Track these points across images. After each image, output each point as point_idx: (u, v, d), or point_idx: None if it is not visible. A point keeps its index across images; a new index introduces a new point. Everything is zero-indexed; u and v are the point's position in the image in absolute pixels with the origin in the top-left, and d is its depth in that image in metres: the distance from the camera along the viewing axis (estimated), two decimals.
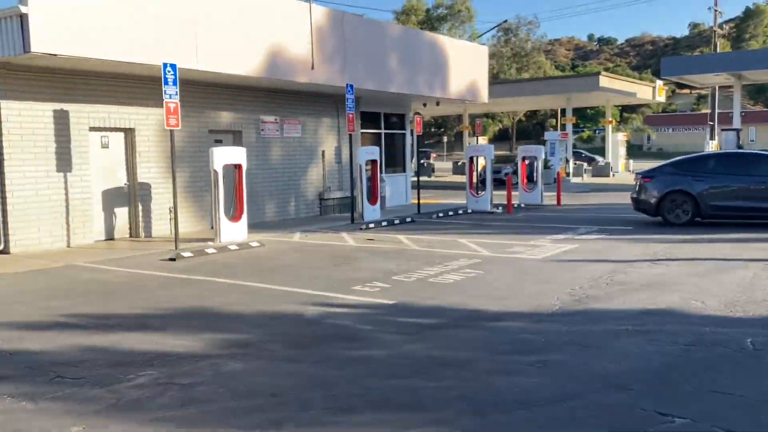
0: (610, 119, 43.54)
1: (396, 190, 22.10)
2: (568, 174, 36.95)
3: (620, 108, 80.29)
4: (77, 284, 9.61)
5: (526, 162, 23.00)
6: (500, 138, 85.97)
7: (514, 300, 8.13)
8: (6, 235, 12.63)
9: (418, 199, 19.67)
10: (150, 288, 9.26)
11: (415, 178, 21.50)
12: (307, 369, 5.63)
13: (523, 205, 21.44)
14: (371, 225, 16.02)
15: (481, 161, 21.56)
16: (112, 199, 14.47)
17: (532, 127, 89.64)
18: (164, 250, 12.63)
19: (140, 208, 14.76)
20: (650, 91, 41.42)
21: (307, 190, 18.70)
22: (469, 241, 13.37)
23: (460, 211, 19.30)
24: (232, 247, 12.77)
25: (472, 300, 8.16)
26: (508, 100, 40.80)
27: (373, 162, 17.76)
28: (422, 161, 50.67)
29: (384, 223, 16.40)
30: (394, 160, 22.44)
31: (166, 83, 12.48)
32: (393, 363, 5.73)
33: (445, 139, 79.02)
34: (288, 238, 14.31)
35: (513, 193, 22.49)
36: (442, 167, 55.27)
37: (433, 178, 44.04)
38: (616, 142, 43.22)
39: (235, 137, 16.85)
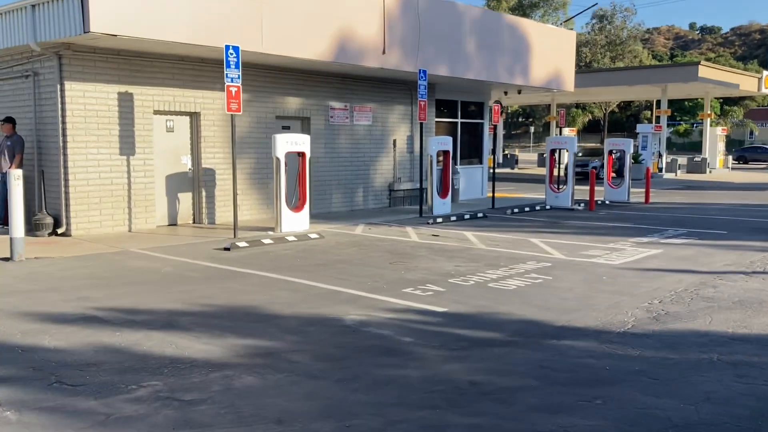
0: (709, 112, 40.88)
1: (471, 182, 21.17)
2: (660, 169, 34.92)
3: (721, 100, 75.95)
4: (123, 272, 9.29)
5: (613, 156, 21.61)
6: (591, 130, 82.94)
7: (582, 313, 7.20)
8: (68, 217, 12.56)
9: (493, 193, 18.70)
10: (194, 280, 8.82)
11: (497, 170, 20.45)
12: (328, 389, 4.95)
13: (607, 202, 20.10)
14: (439, 220, 15.22)
15: (567, 154, 20.35)
16: (175, 184, 14.25)
17: (625, 119, 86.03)
18: (222, 239, 12.27)
19: (204, 194, 14.48)
20: (755, 83, 38.58)
21: (377, 181, 18.06)
22: (542, 241, 12.39)
23: (538, 207, 18.20)
24: (290, 238, 12.27)
25: (534, 311, 7.29)
26: (598, 90, 38.88)
27: (446, 153, 16.90)
28: (506, 152, 49.36)
29: (453, 218, 15.57)
30: (470, 151, 21.49)
31: (228, 66, 12.07)
32: (427, 388, 4.97)
33: (532, 129, 76.89)
34: (350, 231, 13.71)
35: (598, 188, 21.20)
36: (527, 159, 53.64)
37: (516, 170, 42.71)
38: (715, 136, 40.57)
39: (303, 124, 16.36)
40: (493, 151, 43.81)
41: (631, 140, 21.00)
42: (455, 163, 20.50)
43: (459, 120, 20.84)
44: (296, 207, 13.73)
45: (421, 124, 16.20)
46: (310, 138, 16.11)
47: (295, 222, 13.47)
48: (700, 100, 63.41)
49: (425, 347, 5.97)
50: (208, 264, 9.95)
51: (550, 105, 45.80)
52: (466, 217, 15.91)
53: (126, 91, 13.07)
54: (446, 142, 16.84)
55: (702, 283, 8.78)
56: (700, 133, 48.62)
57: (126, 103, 13.10)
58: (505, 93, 22.56)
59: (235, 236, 12.42)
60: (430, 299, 7.78)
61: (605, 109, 71.85)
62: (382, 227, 14.29)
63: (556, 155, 19.83)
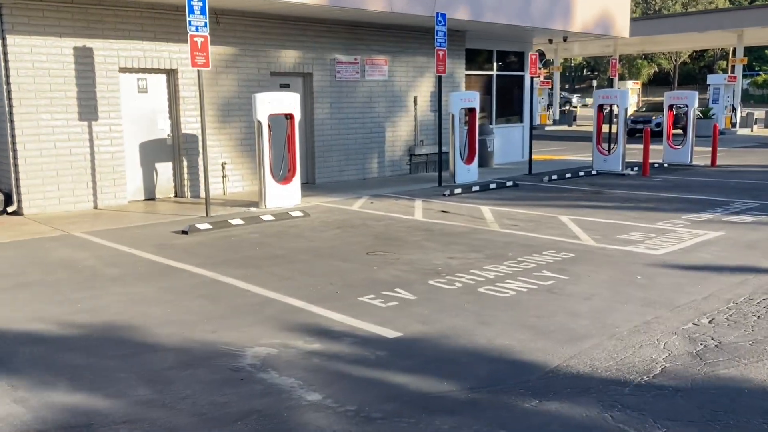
0: None
1: (509, 143, 18.73)
2: (733, 125, 31.45)
3: None
4: (30, 267, 7.52)
5: (674, 111, 18.75)
6: (660, 82, 77.82)
7: (593, 343, 5.02)
8: (18, 194, 10.93)
9: (530, 157, 16.29)
10: (105, 280, 6.98)
11: (552, 128, 17.95)
12: None
13: (666, 165, 17.41)
14: (457, 190, 12.98)
15: (631, 109, 17.62)
16: (151, 152, 12.46)
17: (698, 71, 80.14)
18: (193, 218, 10.45)
19: (185, 163, 12.66)
20: None
21: (395, 145, 15.87)
22: (572, 219, 10.08)
23: (581, 173, 15.70)
24: (266, 218, 10.32)
25: (524, 338, 5.14)
26: (665, 38, 35.26)
27: (471, 111, 14.58)
28: (564, 108, 46.07)
29: (475, 188, 13.30)
30: (508, 108, 18.98)
31: (192, 12, 10.14)
32: None
33: (595, 83, 72.47)
34: (347, 206, 11.66)
35: (657, 147, 18.55)
36: (587, 114, 50.08)
37: (573, 128, 39.59)
38: None
39: (305, 80, 14.27)
40: (549, 107, 41.00)
41: (696, 93, 18.07)
42: (490, 122, 18.15)
43: (494, 72, 18.35)
44: (285, 179, 11.80)
45: (440, 77, 13.88)
46: (314, 96, 14.19)
47: (284, 196, 11.55)
48: None
49: (329, 416, 3.92)
50: (145, 255, 8.10)
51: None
52: (492, 186, 13.63)
53: (84, 45, 11.24)
54: (472, 98, 14.51)
55: None
56: None
57: (85, 59, 11.28)
58: (550, 41, 19.87)
59: (207, 214, 10.59)
60: (388, 316, 5.71)
61: (675, 60, 67.14)
62: (387, 201, 12.19)
63: (609, 111, 17.22)
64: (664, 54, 66.21)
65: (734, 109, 31.89)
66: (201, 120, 10.58)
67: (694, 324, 5.43)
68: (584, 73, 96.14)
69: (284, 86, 13.84)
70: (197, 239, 9.04)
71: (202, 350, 4.96)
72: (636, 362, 4.66)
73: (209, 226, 9.63)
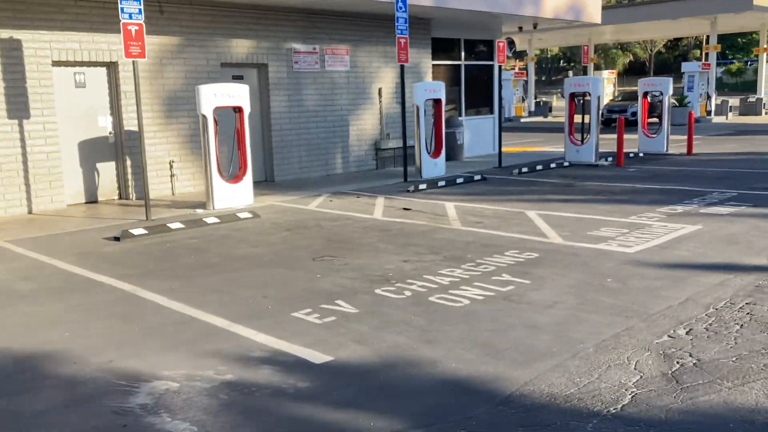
0: (765, 46, 36.36)
1: (479, 136, 18.03)
2: (708, 112, 31.05)
3: None
4: None
5: (649, 99, 18.16)
6: (635, 71, 77.60)
7: (553, 363, 4.31)
8: None
9: (500, 149, 15.59)
10: (12, 296, 6.17)
11: (528, 119, 17.27)
12: None
13: (641, 155, 16.82)
14: (422, 186, 12.25)
15: (607, 99, 17.01)
16: (92, 152, 11.60)
17: (673, 60, 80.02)
18: (132, 221, 9.63)
19: (129, 163, 11.81)
20: None
21: (360, 139, 15.10)
22: (541, 214, 9.39)
23: (553, 165, 15.05)
24: (210, 220, 9.51)
25: (474, 359, 4.42)
26: (639, 26, 34.83)
27: (437, 102, 13.86)
28: (538, 99, 45.53)
29: (441, 183, 12.58)
30: (478, 100, 18.25)
31: None
32: None
33: (570, 73, 72.13)
34: (303, 205, 10.89)
35: (632, 137, 17.96)
36: (562, 106, 49.62)
37: (549, 119, 39.06)
38: None
39: (260, 72, 13.46)
40: (523, 99, 40.41)
41: (670, 79, 17.49)
42: (459, 114, 17.45)
43: (463, 62, 17.61)
44: (235, 177, 11.01)
45: (402, 67, 13.12)
46: (270, 89, 13.41)
47: (234, 196, 10.76)
48: (755, 35, 57.95)
49: None
50: (65, 266, 7.28)
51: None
52: (459, 181, 12.90)
53: (10, 37, 10.36)
54: (437, 89, 13.79)
55: (757, 287, 5.76)
56: (755, 71, 44.01)
57: (12, 52, 10.39)
58: (520, 29, 19.17)
59: (147, 218, 9.77)
60: (321, 335, 4.96)
61: (650, 50, 66.92)
62: (347, 198, 11.44)
63: (582, 100, 16.56)
64: (639, 43, 65.98)
65: (709, 97, 31.50)
66: (138, 115, 9.75)
67: (669, 336, 4.74)
68: (560, 64, 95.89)
69: (237, 78, 13.02)
70: (129, 246, 8.23)
71: (91, 386, 4.18)
72: (602, 388, 3.95)
73: (144, 231, 8.81)
